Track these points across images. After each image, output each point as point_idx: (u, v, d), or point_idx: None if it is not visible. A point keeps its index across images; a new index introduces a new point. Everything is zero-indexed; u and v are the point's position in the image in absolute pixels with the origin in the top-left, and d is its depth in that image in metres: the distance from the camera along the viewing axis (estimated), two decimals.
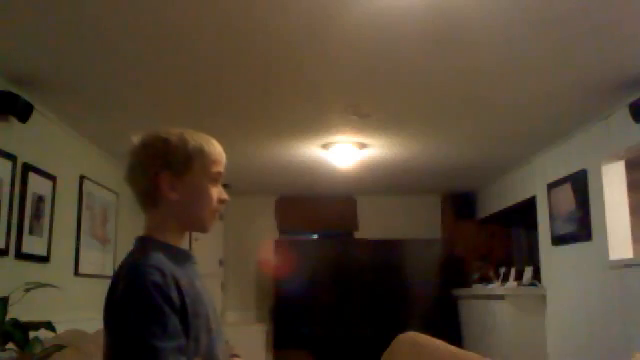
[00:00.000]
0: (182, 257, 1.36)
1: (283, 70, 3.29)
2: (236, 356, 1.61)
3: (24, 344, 2.73)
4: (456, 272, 6.70)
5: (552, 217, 4.84)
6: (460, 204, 7.05)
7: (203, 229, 1.41)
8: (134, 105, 3.89)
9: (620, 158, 3.99)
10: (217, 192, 1.39)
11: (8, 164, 3.36)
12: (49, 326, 2.87)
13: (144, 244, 1.34)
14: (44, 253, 3.81)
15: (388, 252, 6.77)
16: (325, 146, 4.85)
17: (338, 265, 6.82)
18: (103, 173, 4.94)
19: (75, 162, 4.42)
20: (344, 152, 4.90)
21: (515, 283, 5.36)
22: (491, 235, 6.81)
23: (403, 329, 3.64)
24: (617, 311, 3.83)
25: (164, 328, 1.17)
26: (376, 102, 3.87)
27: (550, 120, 4.21)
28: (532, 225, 5.33)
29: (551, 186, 4.84)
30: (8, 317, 2.77)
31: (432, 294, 6.62)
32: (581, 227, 4.29)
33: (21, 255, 3.48)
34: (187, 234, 1.43)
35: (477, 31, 2.76)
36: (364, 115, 4.03)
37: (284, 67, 3.25)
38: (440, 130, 4.56)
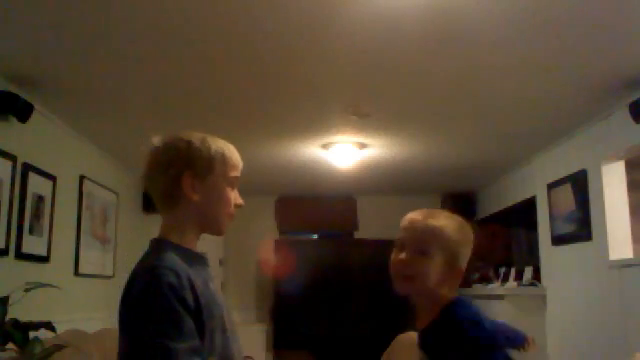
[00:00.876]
0: (197, 259, 1.38)
1: (283, 70, 3.29)
2: (249, 358, 1.63)
3: (24, 344, 2.73)
4: None
5: (552, 217, 4.84)
6: (460, 204, 7.04)
7: (219, 232, 1.44)
8: (134, 105, 3.89)
9: (620, 158, 3.99)
10: (233, 196, 1.44)
11: (8, 164, 3.36)
12: (49, 326, 2.87)
13: (159, 246, 1.36)
14: (44, 253, 3.81)
15: (388, 252, 6.68)
16: (325, 146, 4.85)
17: (338, 265, 6.82)
18: (103, 173, 4.94)
19: (75, 162, 4.42)
20: (344, 152, 4.90)
21: (515, 283, 5.36)
22: (491, 235, 6.80)
23: (403, 329, 3.64)
24: (617, 311, 3.83)
25: (179, 329, 1.19)
26: (376, 102, 3.87)
27: (550, 120, 4.21)
28: (532, 225, 5.33)
29: (551, 186, 4.83)
30: (8, 317, 2.77)
31: None
32: (581, 227, 4.29)
33: (21, 255, 3.48)
34: (200, 237, 1.45)
35: (477, 31, 2.76)
36: (364, 115, 4.03)
37: (284, 67, 3.25)
38: (440, 130, 4.56)
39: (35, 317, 2.95)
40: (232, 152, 1.45)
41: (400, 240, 1.46)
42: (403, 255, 1.43)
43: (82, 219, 4.47)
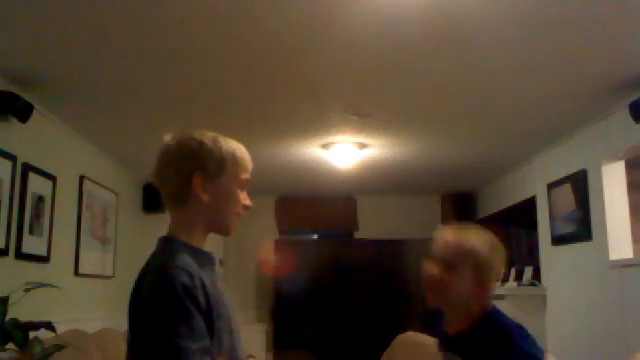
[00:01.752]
0: (205, 259, 1.39)
1: (283, 70, 3.29)
2: (252, 357, 1.64)
3: (24, 344, 2.73)
4: None
5: (552, 217, 4.84)
6: (460, 204, 7.05)
7: (227, 232, 1.45)
8: (134, 105, 3.89)
9: (620, 158, 3.99)
10: (242, 198, 1.44)
11: (8, 164, 3.36)
12: (49, 326, 2.87)
13: (170, 245, 1.36)
14: (44, 253, 3.81)
15: (388, 252, 6.77)
16: (325, 146, 4.85)
17: (338, 265, 6.82)
18: (103, 173, 4.94)
19: (75, 162, 4.42)
20: (344, 152, 4.90)
21: (515, 283, 5.36)
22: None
23: (403, 329, 3.65)
24: (617, 311, 3.83)
25: (190, 329, 1.20)
26: (376, 102, 3.87)
27: (550, 120, 4.21)
28: (532, 225, 5.33)
29: (551, 186, 4.84)
30: (8, 317, 2.77)
31: None
32: (581, 227, 4.29)
33: (21, 255, 3.48)
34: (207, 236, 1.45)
35: (477, 31, 2.76)
36: (364, 115, 4.03)
37: (284, 67, 3.25)
38: (440, 130, 4.56)
39: (35, 317, 2.95)
40: (243, 153, 1.45)
41: (433, 255, 1.56)
42: (435, 270, 1.53)
43: (82, 219, 4.47)
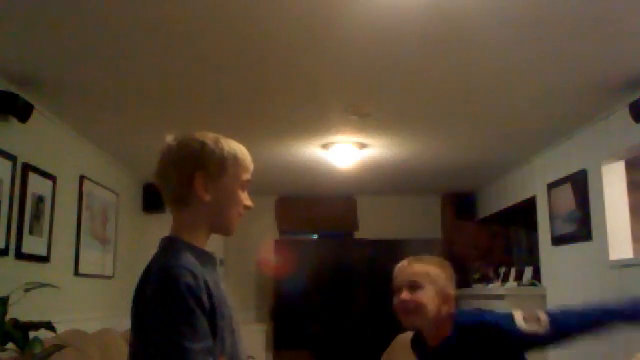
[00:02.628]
0: (207, 259, 1.39)
1: (283, 70, 3.29)
2: (251, 358, 1.65)
3: (24, 344, 2.73)
4: (456, 272, 6.68)
5: (552, 217, 4.84)
6: (460, 204, 7.05)
7: (229, 232, 1.46)
8: (134, 105, 3.89)
9: (620, 158, 3.99)
10: (244, 198, 1.45)
11: (8, 164, 3.36)
12: (49, 326, 2.87)
13: (173, 245, 1.37)
14: (44, 253, 3.81)
15: (388, 252, 6.76)
16: (325, 146, 4.85)
17: (338, 265, 6.82)
18: (103, 173, 4.94)
19: (75, 162, 4.42)
20: (344, 152, 4.90)
21: (515, 283, 5.36)
22: (491, 235, 6.81)
23: (403, 329, 3.65)
24: None
25: (194, 329, 1.20)
26: (376, 102, 3.87)
27: (550, 120, 4.21)
28: (532, 225, 5.33)
29: (551, 186, 4.84)
30: (8, 317, 2.76)
31: None
32: (581, 227, 4.29)
33: (21, 255, 3.48)
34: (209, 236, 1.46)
35: (477, 31, 2.76)
36: (364, 115, 4.03)
37: (284, 67, 3.25)
38: (440, 130, 4.56)
39: (35, 317, 2.95)
40: (245, 154, 1.46)
41: (396, 285, 1.78)
42: (402, 295, 1.74)
43: (82, 219, 4.47)
